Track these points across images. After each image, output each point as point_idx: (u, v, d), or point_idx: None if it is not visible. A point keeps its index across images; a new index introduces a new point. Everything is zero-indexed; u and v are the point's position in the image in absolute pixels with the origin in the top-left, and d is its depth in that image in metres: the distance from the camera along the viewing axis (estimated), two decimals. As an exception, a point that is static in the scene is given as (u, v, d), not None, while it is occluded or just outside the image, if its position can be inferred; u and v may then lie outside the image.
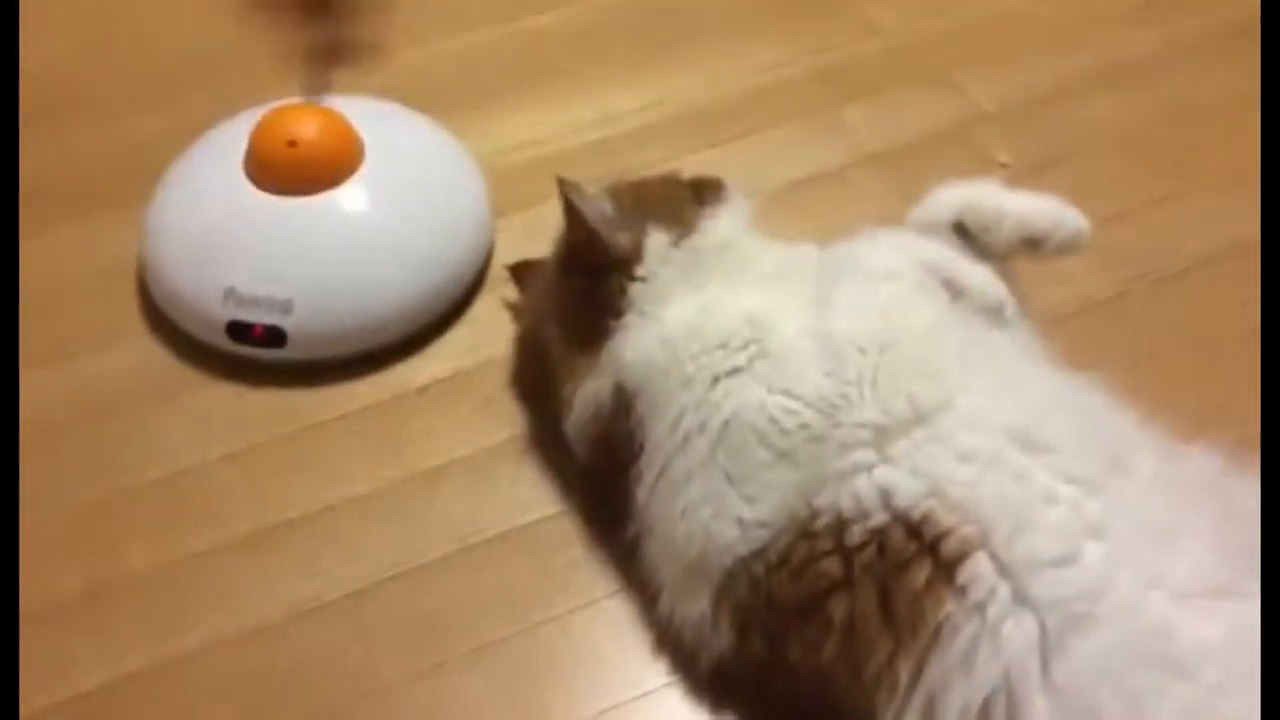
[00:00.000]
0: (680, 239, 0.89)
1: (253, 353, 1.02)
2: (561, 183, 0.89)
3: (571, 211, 0.89)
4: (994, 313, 0.85)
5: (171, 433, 1.00)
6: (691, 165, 1.18)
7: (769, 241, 0.94)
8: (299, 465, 0.98)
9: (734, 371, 0.82)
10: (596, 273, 0.89)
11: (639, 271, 0.88)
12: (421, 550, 0.93)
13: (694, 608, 0.82)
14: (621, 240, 0.89)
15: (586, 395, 0.89)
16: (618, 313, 0.88)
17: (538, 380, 0.97)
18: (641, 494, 0.85)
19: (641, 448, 0.85)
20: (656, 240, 0.89)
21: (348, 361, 1.04)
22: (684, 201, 0.92)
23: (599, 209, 0.90)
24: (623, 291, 0.88)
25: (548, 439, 0.96)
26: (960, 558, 0.72)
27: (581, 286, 0.90)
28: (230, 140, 1.08)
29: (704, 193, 0.93)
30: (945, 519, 0.73)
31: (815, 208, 1.15)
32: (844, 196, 1.16)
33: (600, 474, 0.90)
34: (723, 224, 0.91)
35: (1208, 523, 0.73)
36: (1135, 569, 0.70)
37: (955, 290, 0.85)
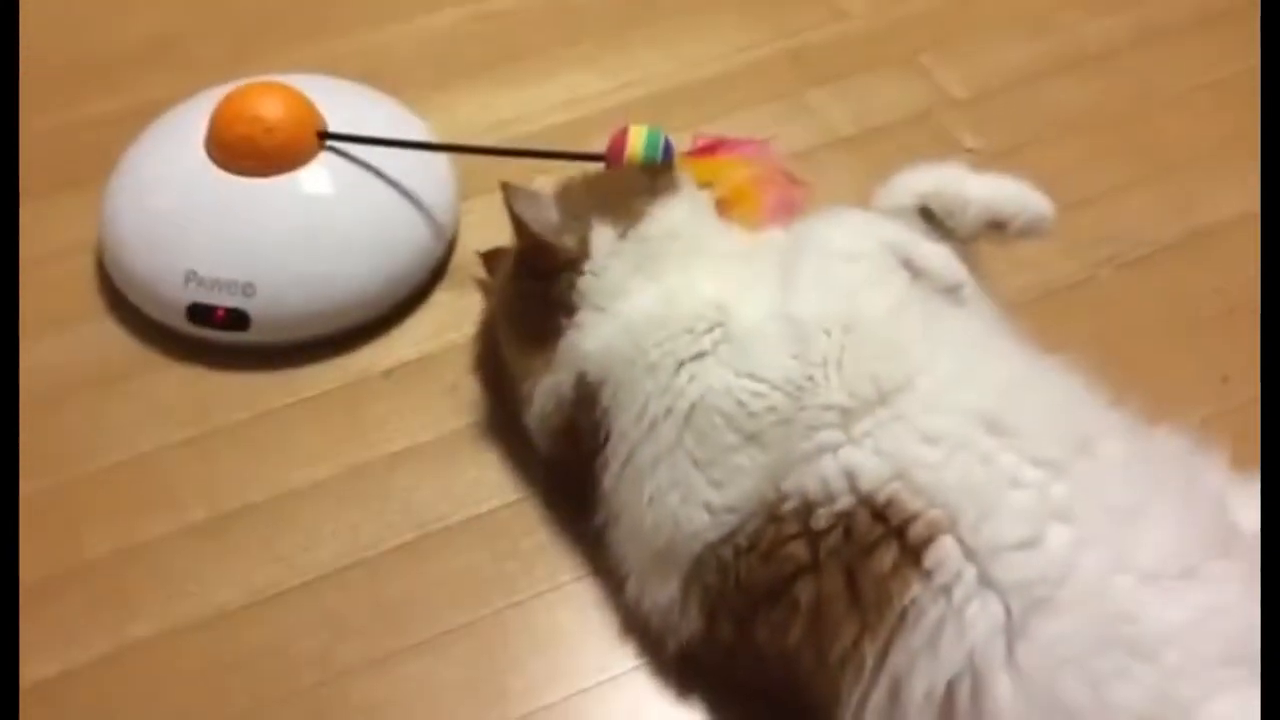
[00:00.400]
0: (627, 230, 0.88)
1: (214, 336, 1.01)
2: (505, 188, 0.88)
3: (516, 221, 0.88)
4: (952, 292, 0.86)
5: (130, 417, 0.99)
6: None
7: (726, 224, 0.93)
8: (260, 449, 0.97)
9: (699, 356, 0.81)
10: (548, 276, 0.88)
11: (587, 267, 0.87)
12: (384, 536, 0.92)
13: (662, 593, 0.82)
14: (567, 242, 0.88)
15: (546, 390, 0.88)
16: (570, 310, 0.87)
17: (500, 370, 0.96)
18: (608, 482, 0.84)
19: (607, 436, 0.84)
20: (601, 234, 0.88)
21: (311, 345, 1.02)
22: (636, 192, 0.91)
23: (543, 215, 0.88)
24: (573, 288, 0.87)
25: (513, 424, 0.95)
26: (927, 541, 0.72)
27: (533, 288, 0.89)
28: (190, 120, 1.06)
29: (658, 181, 0.92)
30: (911, 502, 0.73)
31: (784, 190, 1.15)
32: (813, 179, 1.15)
33: (564, 465, 0.89)
34: (672, 212, 0.89)
35: (1173, 505, 0.73)
36: (1100, 552, 0.70)
37: (915, 270, 0.85)
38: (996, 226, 0.90)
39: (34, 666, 0.85)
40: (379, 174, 1.05)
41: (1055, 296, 1.06)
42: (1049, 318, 1.02)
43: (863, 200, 0.93)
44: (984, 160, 1.16)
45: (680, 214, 0.90)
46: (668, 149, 1.02)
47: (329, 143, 1.04)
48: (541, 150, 1.09)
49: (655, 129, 1.02)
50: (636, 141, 1.01)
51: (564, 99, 1.23)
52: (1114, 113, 1.22)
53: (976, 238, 0.92)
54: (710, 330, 0.82)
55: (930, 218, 0.91)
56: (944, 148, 1.18)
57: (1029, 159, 1.16)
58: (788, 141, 1.19)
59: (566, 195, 0.92)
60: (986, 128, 1.20)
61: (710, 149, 1.07)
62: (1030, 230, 0.90)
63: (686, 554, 0.80)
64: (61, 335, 1.04)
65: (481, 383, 1.00)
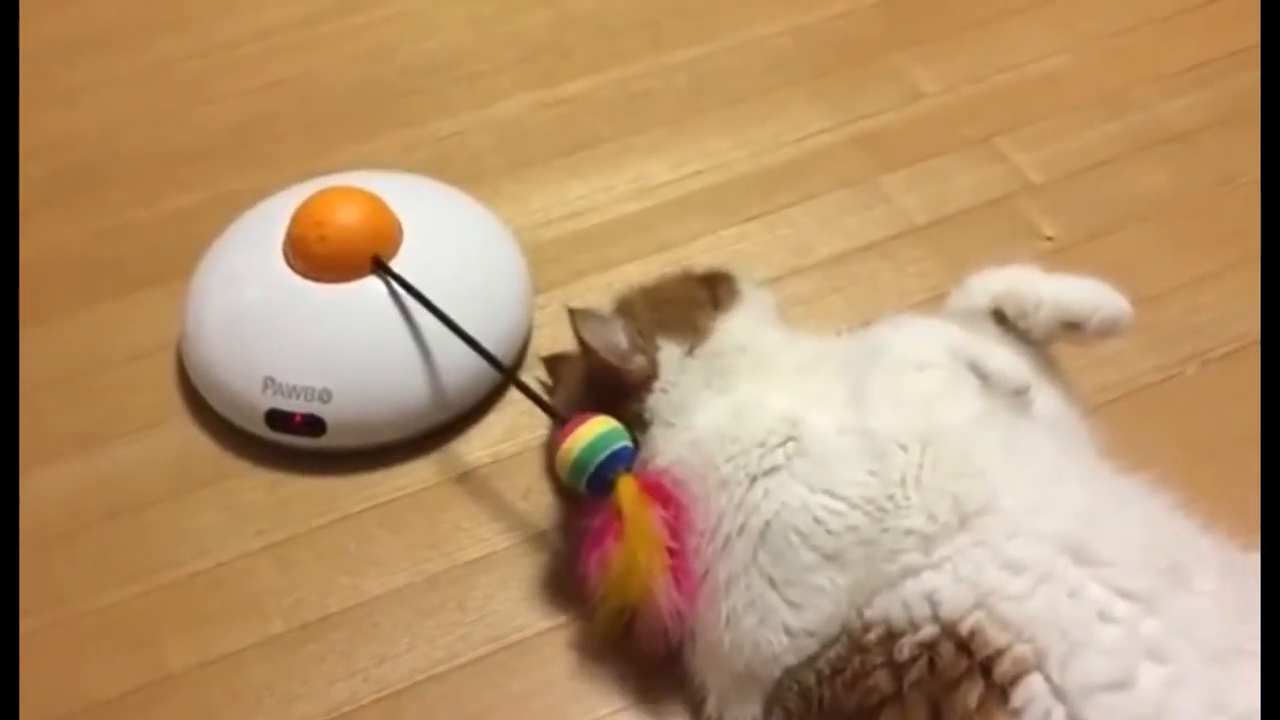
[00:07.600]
0: (694, 347, 0.89)
1: (291, 440, 1.01)
2: (572, 314, 0.88)
3: (584, 346, 0.88)
4: (1019, 395, 0.84)
5: (210, 523, 0.99)
6: (731, 238, 1.19)
7: (791, 333, 0.93)
8: (337, 556, 0.97)
9: (772, 471, 0.81)
10: (619, 399, 0.88)
11: (657, 386, 0.88)
12: (460, 648, 0.91)
13: (744, 713, 0.81)
14: (637, 362, 0.88)
15: None
16: (643, 427, 0.87)
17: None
18: (682, 600, 0.83)
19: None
20: (669, 353, 0.89)
21: (387, 448, 1.03)
22: (697, 305, 0.91)
23: (611, 340, 0.89)
24: (643, 405, 0.87)
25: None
26: (1014, 680, 0.70)
27: (603, 410, 0.89)
28: (267, 223, 1.07)
29: (718, 292, 0.93)
30: (996, 637, 0.71)
31: (858, 281, 1.14)
32: (887, 270, 1.14)
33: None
34: (736, 326, 0.90)
35: (1268, 644, 0.71)
36: (1195, 693, 0.68)
37: (981, 374, 0.84)
38: (1072, 327, 0.89)
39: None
40: (454, 275, 1.05)
41: (1139, 395, 1.03)
42: (1133, 419, 0.99)
43: (939, 291, 0.92)
44: (1062, 249, 1.15)
45: (745, 326, 0.90)
46: (610, 464, 0.85)
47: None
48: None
49: (613, 433, 0.87)
50: (584, 436, 0.86)
51: (635, 188, 1.23)
52: (1194, 197, 1.19)
53: (1052, 339, 0.91)
54: (783, 444, 0.81)
55: (1003, 320, 0.90)
56: (1021, 236, 1.16)
57: (1108, 247, 1.14)
58: (860, 231, 1.18)
59: (629, 312, 0.92)
60: (1064, 214, 1.18)
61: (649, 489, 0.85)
62: (1107, 330, 0.89)
63: (767, 677, 0.79)
64: (143, 438, 1.05)
65: (554, 489, 1.00)
